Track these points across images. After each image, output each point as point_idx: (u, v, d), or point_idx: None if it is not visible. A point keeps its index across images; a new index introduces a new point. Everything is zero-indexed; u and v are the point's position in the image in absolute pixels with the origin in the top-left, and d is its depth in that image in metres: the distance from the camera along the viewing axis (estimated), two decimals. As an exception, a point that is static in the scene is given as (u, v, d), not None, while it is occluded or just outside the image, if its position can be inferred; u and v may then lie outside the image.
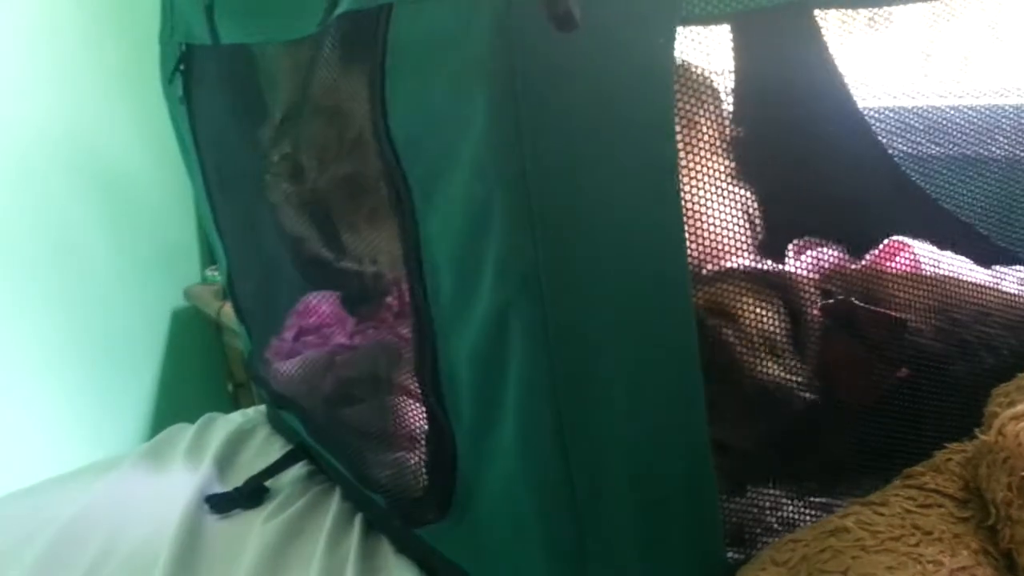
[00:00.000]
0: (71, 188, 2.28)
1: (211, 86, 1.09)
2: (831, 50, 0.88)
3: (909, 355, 0.75)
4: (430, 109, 0.59)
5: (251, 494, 1.10)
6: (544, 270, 0.56)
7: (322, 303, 1.14)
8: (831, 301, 0.75)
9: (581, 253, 0.57)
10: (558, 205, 0.55)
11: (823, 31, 0.88)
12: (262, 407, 1.38)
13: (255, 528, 1.05)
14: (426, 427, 0.76)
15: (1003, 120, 0.81)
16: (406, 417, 0.87)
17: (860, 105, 0.87)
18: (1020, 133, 0.81)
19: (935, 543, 0.64)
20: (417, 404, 0.81)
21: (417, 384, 0.74)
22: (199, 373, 2.53)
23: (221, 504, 1.09)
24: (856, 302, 0.75)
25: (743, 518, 0.71)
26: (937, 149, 0.82)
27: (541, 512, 0.65)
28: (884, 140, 0.86)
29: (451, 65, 0.56)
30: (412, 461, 0.85)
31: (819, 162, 0.83)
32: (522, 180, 0.54)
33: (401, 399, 0.89)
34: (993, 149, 0.81)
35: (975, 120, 0.79)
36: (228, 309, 2.20)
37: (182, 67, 1.08)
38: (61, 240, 2.28)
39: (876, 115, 0.86)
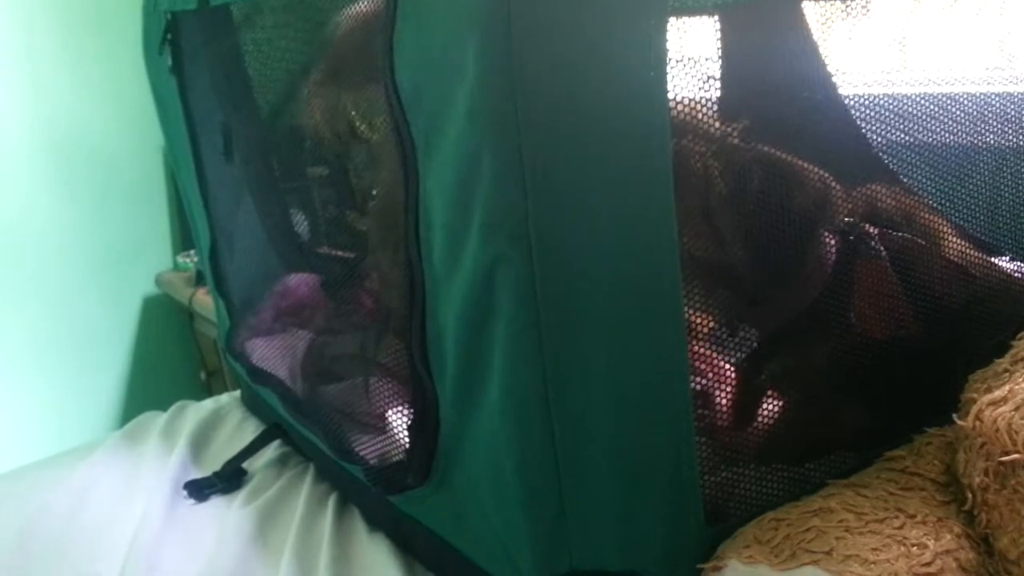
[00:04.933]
0: (41, 174, 2.25)
1: (200, 56, 1.08)
2: (816, 40, 0.88)
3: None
4: (431, 58, 0.59)
5: (229, 477, 1.09)
6: (533, 224, 0.56)
7: (301, 285, 1.14)
8: (895, 233, 0.77)
9: (571, 207, 0.57)
10: (549, 155, 0.55)
11: (808, 21, 0.88)
12: (235, 393, 1.37)
13: (230, 514, 1.04)
14: (409, 395, 0.75)
15: (988, 109, 0.81)
16: (388, 387, 0.87)
17: (843, 94, 0.88)
18: (1005, 123, 0.82)
19: (919, 526, 0.65)
20: (400, 373, 0.81)
21: (403, 349, 0.74)
22: (171, 361, 2.51)
23: (199, 490, 1.09)
24: (921, 242, 0.77)
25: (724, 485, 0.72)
26: (918, 138, 0.82)
27: (523, 471, 0.65)
28: (866, 129, 0.87)
29: (450, 12, 0.56)
30: (393, 429, 0.86)
31: (803, 152, 0.84)
32: (514, 128, 0.54)
33: (383, 370, 0.89)
34: (976, 139, 0.82)
35: (958, 109, 0.80)
36: (200, 296, 2.18)
37: (170, 37, 1.07)
38: (31, 227, 2.24)
39: (858, 104, 0.86)
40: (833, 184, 0.77)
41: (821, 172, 0.77)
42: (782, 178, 0.75)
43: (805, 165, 0.77)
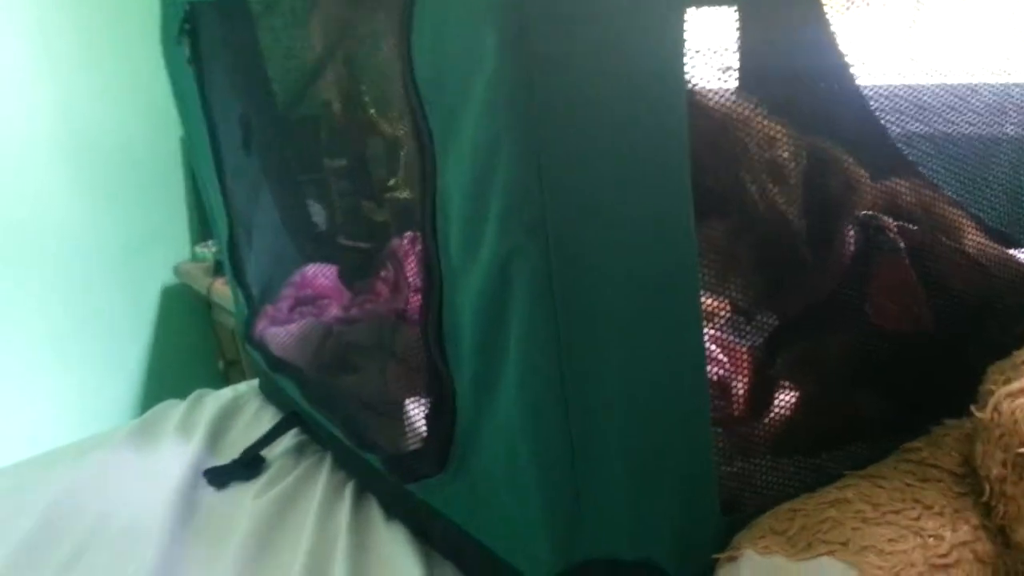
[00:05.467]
0: (59, 166, 2.26)
1: (218, 47, 1.08)
2: (833, 28, 0.88)
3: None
4: (448, 50, 0.59)
5: (248, 465, 1.10)
6: (550, 215, 0.56)
7: (319, 275, 1.14)
8: (915, 227, 0.77)
9: (588, 198, 0.57)
10: (566, 147, 0.55)
11: (825, 9, 0.88)
12: (253, 382, 1.38)
13: (248, 502, 1.05)
14: (427, 383, 0.76)
15: (1010, 99, 0.81)
16: (405, 376, 0.87)
17: (861, 84, 0.87)
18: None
19: (936, 517, 0.64)
20: (417, 362, 0.82)
21: (420, 339, 0.74)
22: (189, 351, 2.52)
23: (219, 477, 1.09)
24: (944, 239, 0.77)
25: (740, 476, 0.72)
26: (937, 129, 0.82)
27: (538, 461, 0.65)
28: (884, 119, 0.86)
29: (468, 4, 0.56)
30: (411, 418, 0.86)
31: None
32: (531, 119, 0.54)
33: (401, 359, 0.89)
34: (996, 130, 0.81)
35: (980, 99, 0.80)
36: (219, 286, 2.19)
37: (188, 26, 1.07)
38: (50, 219, 2.26)
39: (876, 93, 0.86)
40: (862, 171, 0.77)
41: (850, 159, 0.77)
42: (821, 161, 0.75)
43: (837, 150, 0.76)
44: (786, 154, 0.73)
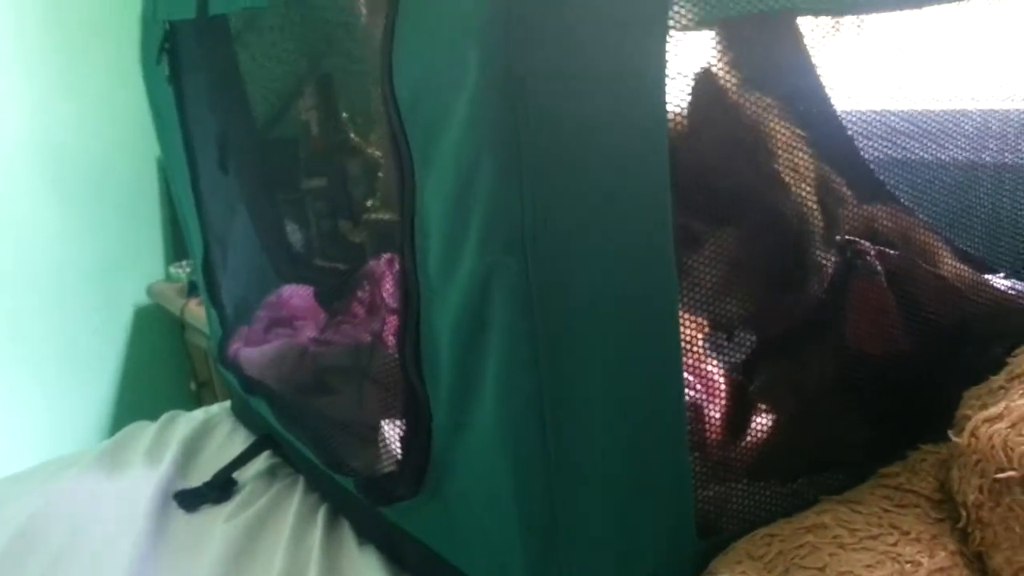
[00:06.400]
0: (35, 184, 2.25)
1: (197, 66, 1.08)
2: (812, 55, 0.89)
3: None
4: (429, 68, 0.59)
5: (219, 488, 1.09)
6: (530, 232, 0.56)
7: (295, 296, 1.14)
8: (893, 251, 0.77)
9: (569, 215, 0.57)
10: (547, 165, 0.55)
11: (804, 37, 0.89)
12: (225, 404, 1.37)
13: (219, 525, 1.03)
14: (403, 404, 0.75)
15: (992, 126, 0.82)
16: (380, 398, 0.87)
17: (838, 110, 0.88)
18: (1008, 140, 0.82)
19: (913, 543, 0.64)
20: (393, 383, 0.81)
21: (396, 360, 0.73)
22: (162, 371, 2.50)
23: (190, 500, 1.08)
24: (922, 264, 0.77)
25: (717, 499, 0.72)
26: (914, 155, 0.82)
27: (515, 485, 0.65)
28: (861, 145, 0.87)
29: (448, 22, 0.56)
30: (385, 439, 0.85)
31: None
32: (513, 137, 0.54)
33: (377, 381, 0.88)
34: (974, 156, 0.82)
35: (960, 126, 0.80)
36: (192, 307, 2.18)
37: (167, 46, 1.07)
38: (24, 236, 2.24)
39: (853, 120, 0.87)
40: (846, 190, 0.78)
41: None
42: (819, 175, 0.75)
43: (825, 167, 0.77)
44: (806, 157, 0.73)
